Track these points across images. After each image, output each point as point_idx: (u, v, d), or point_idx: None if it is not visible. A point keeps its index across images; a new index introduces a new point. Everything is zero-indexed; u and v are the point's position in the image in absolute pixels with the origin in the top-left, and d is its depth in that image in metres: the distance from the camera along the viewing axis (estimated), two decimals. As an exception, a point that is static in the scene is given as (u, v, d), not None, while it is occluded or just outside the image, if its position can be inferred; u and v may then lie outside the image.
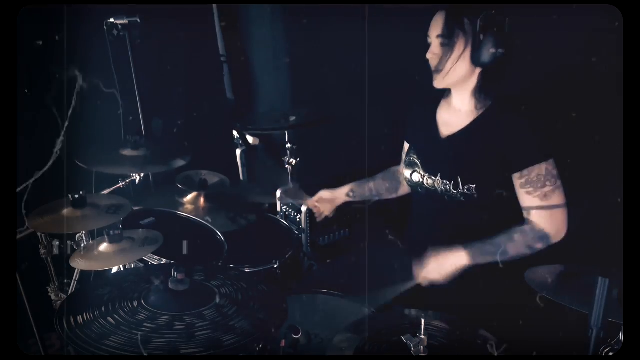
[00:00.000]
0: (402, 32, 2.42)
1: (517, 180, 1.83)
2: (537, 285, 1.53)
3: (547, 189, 1.80)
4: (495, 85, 1.88)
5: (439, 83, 1.92)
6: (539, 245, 1.81)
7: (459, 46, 1.83)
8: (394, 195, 2.32)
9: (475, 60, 1.83)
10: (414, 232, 2.14)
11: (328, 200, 2.31)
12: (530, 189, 1.81)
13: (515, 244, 1.81)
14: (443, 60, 1.86)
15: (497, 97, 1.90)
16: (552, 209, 1.81)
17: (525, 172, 1.81)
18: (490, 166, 1.86)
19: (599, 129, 2.02)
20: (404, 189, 2.30)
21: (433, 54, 1.88)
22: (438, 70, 1.89)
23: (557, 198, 1.81)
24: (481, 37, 1.79)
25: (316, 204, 2.35)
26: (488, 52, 1.79)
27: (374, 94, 2.87)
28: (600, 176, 2.04)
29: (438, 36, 1.85)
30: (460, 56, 1.84)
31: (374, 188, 2.30)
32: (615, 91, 1.45)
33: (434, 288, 1.86)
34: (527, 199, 1.83)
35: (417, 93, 2.16)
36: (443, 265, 1.84)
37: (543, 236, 1.81)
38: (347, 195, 2.29)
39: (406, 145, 2.22)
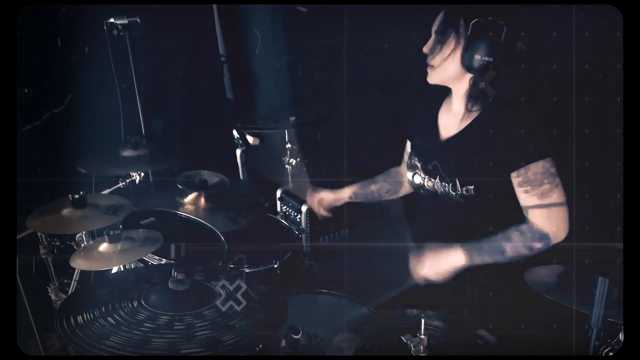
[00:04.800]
0: (402, 32, 2.43)
1: (515, 179, 1.82)
2: (537, 285, 1.53)
3: (545, 187, 1.79)
4: (482, 92, 1.85)
5: (430, 78, 1.93)
6: (539, 246, 1.79)
7: (449, 45, 1.83)
8: (394, 197, 2.32)
9: (464, 63, 1.83)
10: (415, 233, 2.13)
11: (329, 201, 2.31)
12: (528, 188, 1.80)
13: (513, 244, 1.79)
14: (434, 54, 1.87)
15: (491, 100, 1.90)
16: (550, 208, 1.79)
17: (522, 170, 1.80)
18: (487, 167, 1.85)
19: (598, 129, 2.02)
20: (405, 190, 2.30)
21: (427, 47, 1.90)
22: (430, 64, 1.91)
23: (556, 197, 1.80)
24: (471, 41, 1.78)
25: (316, 203, 2.35)
26: (475, 58, 1.78)
27: (375, 94, 2.88)
28: (599, 176, 2.04)
29: (434, 31, 1.87)
30: (449, 55, 1.84)
31: (376, 191, 2.30)
32: (615, 91, 1.45)
33: (431, 286, 1.84)
34: (525, 197, 1.82)
35: (419, 95, 2.16)
36: (440, 264, 1.83)
37: (542, 236, 1.79)
38: (350, 197, 2.29)
39: (408, 145, 2.22)
